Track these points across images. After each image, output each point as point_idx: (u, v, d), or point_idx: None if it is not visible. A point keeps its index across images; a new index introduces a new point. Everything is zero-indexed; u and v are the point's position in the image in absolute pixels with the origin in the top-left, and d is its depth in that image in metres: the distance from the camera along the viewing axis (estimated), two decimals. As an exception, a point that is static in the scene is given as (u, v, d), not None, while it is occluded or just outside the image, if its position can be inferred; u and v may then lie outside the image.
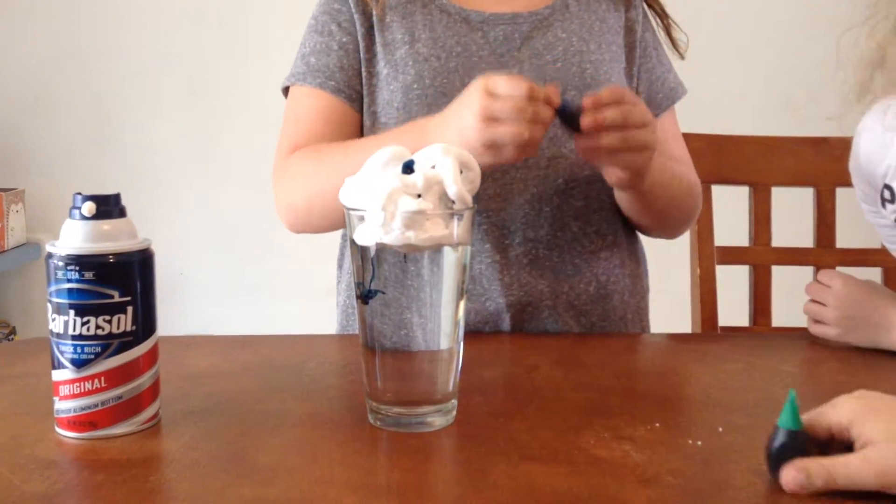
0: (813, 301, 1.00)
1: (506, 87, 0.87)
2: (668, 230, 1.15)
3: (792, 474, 0.60)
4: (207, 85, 2.34)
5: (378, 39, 1.08)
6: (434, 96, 1.04)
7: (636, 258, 1.15)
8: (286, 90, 1.14)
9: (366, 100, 1.09)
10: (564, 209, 1.06)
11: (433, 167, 0.71)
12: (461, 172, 0.71)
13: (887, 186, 0.96)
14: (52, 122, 2.35)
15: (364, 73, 1.09)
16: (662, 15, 1.17)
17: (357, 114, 1.10)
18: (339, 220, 0.98)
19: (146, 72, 2.33)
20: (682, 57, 1.17)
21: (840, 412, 0.62)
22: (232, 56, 2.33)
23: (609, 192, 1.09)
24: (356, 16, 1.09)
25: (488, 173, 1.06)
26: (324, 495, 0.60)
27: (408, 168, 0.70)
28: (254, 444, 0.69)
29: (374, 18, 1.08)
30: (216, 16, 2.32)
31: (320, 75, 1.08)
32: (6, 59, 2.34)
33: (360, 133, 1.10)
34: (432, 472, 0.66)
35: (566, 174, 1.06)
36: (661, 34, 1.18)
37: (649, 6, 1.17)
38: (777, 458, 0.61)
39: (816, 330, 1.00)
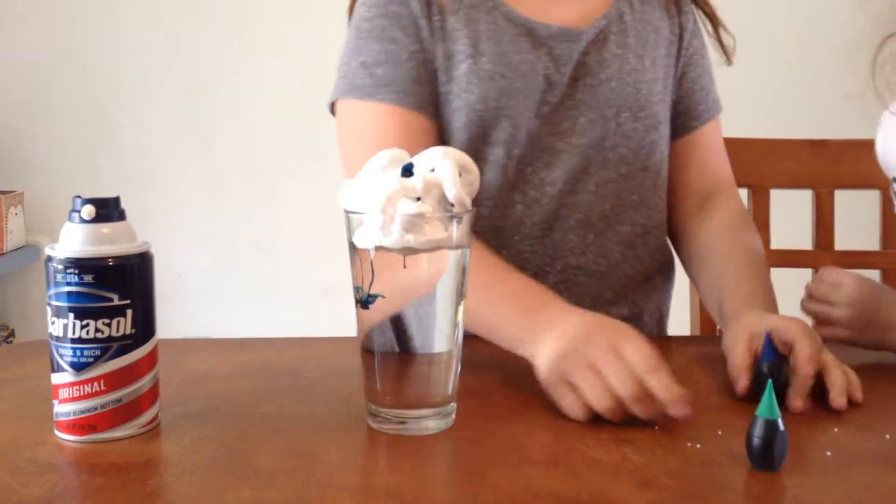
0: (815, 301, 0.96)
1: (636, 357, 0.73)
2: None
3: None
4: (206, 87, 2.34)
5: (440, 50, 0.99)
6: (497, 118, 0.98)
7: (666, 273, 1.13)
8: (332, 103, 1.04)
9: None
10: (609, 235, 1.04)
11: (432, 170, 0.71)
12: (460, 175, 0.71)
13: (895, 180, 0.95)
14: (51, 125, 2.35)
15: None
16: (713, 17, 1.11)
17: (435, 130, 1.00)
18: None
19: (144, 74, 2.34)
20: (729, 62, 1.12)
21: None
22: (230, 58, 2.33)
23: (652, 215, 1.07)
24: (422, 21, 0.99)
25: (535, 199, 1.02)
26: (322, 498, 0.60)
27: (407, 171, 0.70)
28: (253, 447, 0.69)
29: (436, 24, 0.99)
30: (214, 18, 2.32)
31: (394, 89, 0.98)
32: (5, 61, 2.34)
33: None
34: (431, 475, 0.66)
35: (614, 199, 1.04)
36: (708, 39, 1.13)
37: (699, 8, 1.12)
38: (755, 446, 0.65)
39: (823, 332, 0.93)
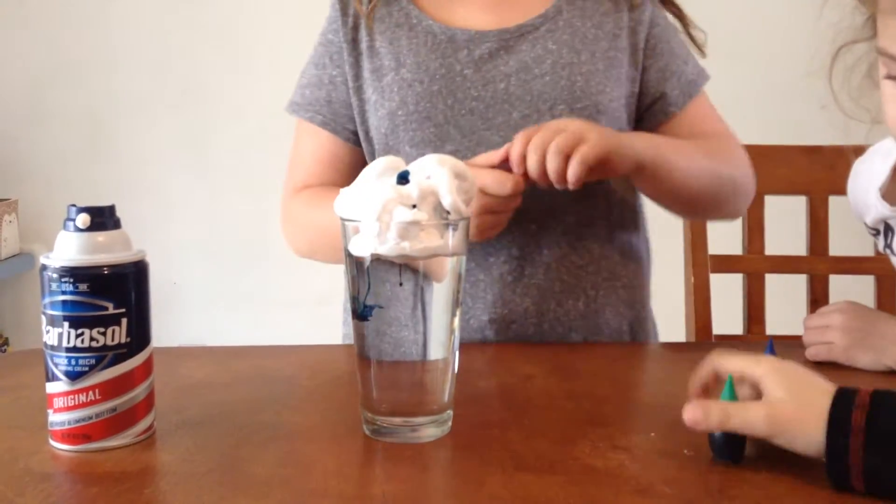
0: (811, 330, 0.95)
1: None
2: (707, 216, 1.19)
3: (690, 411, 0.66)
4: (201, 94, 2.34)
5: (367, 66, 1.10)
6: (418, 121, 1.05)
7: (634, 267, 1.13)
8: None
9: (360, 126, 1.12)
10: (552, 226, 1.06)
11: (428, 177, 0.71)
12: (456, 183, 0.71)
13: (867, 225, 0.97)
14: (46, 132, 2.35)
15: (354, 101, 1.11)
16: (680, 15, 1.14)
17: (347, 144, 1.13)
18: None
19: (140, 81, 2.34)
20: (703, 55, 1.15)
21: (756, 369, 0.67)
22: (226, 65, 2.33)
23: (601, 204, 1.08)
24: (345, 45, 1.11)
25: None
26: (319, 507, 0.60)
27: (403, 178, 0.70)
28: (249, 456, 0.69)
29: (364, 45, 1.10)
30: (210, 25, 2.32)
31: (311, 109, 1.13)
32: (0, 69, 2.34)
33: (359, 160, 1.12)
34: (428, 482, 0.66)
35: (554, 191, 1.02)
36: (680, 35, 1.14)
37: (664, 4, 1.14)
38: (716, 438, 0.67)
39: (819, 350, 0.94)
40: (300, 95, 1.15)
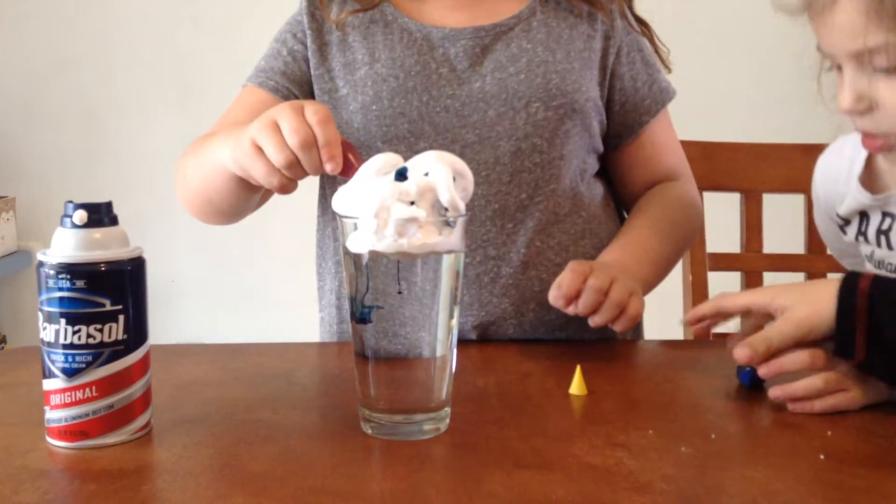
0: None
1: (311, 111, 0.82)
2: None
3: (740, 351, 0.78)
4: (200, 92, 2.34)
5: (339, 58, 1.09)
6: (392, 116, 1.05)
7: None
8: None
9: None
10: (527, 224, 1.05)
11: (426, 174, 0.71)
12: (454, 180, 0.71)
13: (839, 215, 0.97)
14: (44, 130, 2.35)
15: (316, 91, 1.10)
16: (647, 31, 1.15)
17: None
18: (193, 200, 1.08)
19: (138, 79, 2.33)
20: (669, 70, 1.16)
21: (762, 298, 0.81)
22: (225, 64, 2.32)
23: (573, 202, 1.07)
24: (308, 31, 1.11)
25: None
26: (317, 504, 0.60)
27: (401, 175, 0.70)
28: (246, 453, 0.69)
29: (334, 37, 1.10)
30: (209, 23, 2.32)
31: (262, 75, 1.13)
32: (-2, 66, 2.33)
33: None
34: (426, 480, 0.66)
35: (529, 188, 1.05)
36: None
37: (628, 23, 1.14)
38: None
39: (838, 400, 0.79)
40: (255, 68, 1.15)
